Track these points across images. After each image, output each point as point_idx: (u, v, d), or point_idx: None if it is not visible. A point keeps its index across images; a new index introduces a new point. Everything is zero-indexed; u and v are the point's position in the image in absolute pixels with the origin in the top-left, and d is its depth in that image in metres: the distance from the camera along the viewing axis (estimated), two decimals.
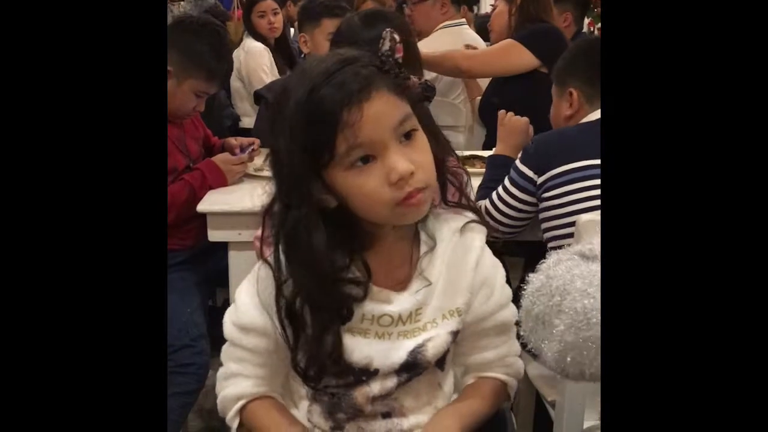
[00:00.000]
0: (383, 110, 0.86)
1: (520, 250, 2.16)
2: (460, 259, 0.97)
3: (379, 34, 1.49)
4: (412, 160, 0.86)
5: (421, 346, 0.95)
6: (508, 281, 1.93)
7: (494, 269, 1.01)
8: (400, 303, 0.95)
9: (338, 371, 0.95)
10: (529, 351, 0.94)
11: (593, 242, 1.10)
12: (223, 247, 1.72)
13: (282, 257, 0.91)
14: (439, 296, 0.96)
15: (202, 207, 1.72)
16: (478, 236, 0.99)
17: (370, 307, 0.93)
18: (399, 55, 0.92)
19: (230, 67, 1.99)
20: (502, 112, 1.87)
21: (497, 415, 1.10)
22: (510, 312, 1.03)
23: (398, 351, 0.95)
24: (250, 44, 3.23)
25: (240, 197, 1.75)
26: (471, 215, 0.99)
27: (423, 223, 0.97)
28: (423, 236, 0.97)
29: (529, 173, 1.56)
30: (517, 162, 1.60)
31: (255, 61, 3.16)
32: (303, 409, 1.00)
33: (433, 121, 0.96)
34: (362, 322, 0.94)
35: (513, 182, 1.60)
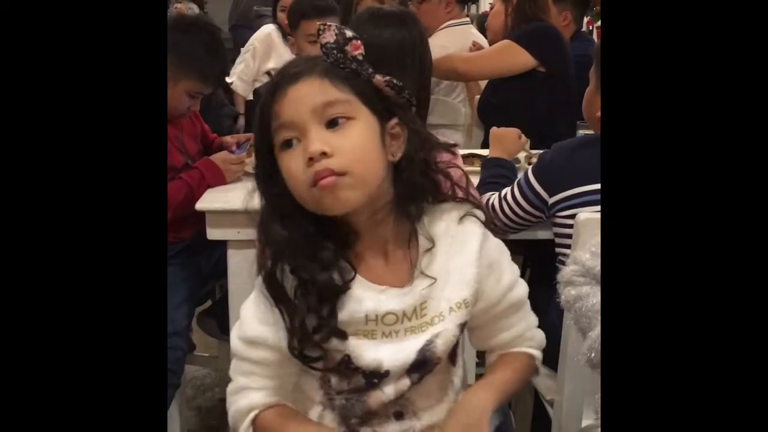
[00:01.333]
0: (305, 93, 0.89)
1: (519, 249, 2.16)
2: (460, 250, 0.97)
3: (384, 34, 1.46)
4: (332, 145, 0.87)
5: (430, 342, 0.95)
6: None
7: (499, 252, 1.02)
8: (403, 300, 0.94)
9: (348, 375, 0.94)
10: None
11: None
12: (215, 243, 1.71)
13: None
14: (443, 290, 0.96)
15: (200, 205, 1.71)
16: (477, 224, 0.99)
17: (373, 307, 0.93)
18: (357, 51, 0.92)
19: (226, 66, 1.96)
20: (493, 128, 1.92)
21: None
22: (521, 289, 1.04)
23: (407, 349, 0.94)
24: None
25: (239, 195, 1.73)
26: (468, 205, 0.99)
27: (419, 222, 0.96)
28: (421, 236, 0.96)
29: (540, 190, 1.53)
30: (530, 173, 1.56)
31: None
32: (315, 415, 1.00)
33: (413, 118, 0.96)
34: (366, 323, 0.93)
35: (522, 192, 1.57)
